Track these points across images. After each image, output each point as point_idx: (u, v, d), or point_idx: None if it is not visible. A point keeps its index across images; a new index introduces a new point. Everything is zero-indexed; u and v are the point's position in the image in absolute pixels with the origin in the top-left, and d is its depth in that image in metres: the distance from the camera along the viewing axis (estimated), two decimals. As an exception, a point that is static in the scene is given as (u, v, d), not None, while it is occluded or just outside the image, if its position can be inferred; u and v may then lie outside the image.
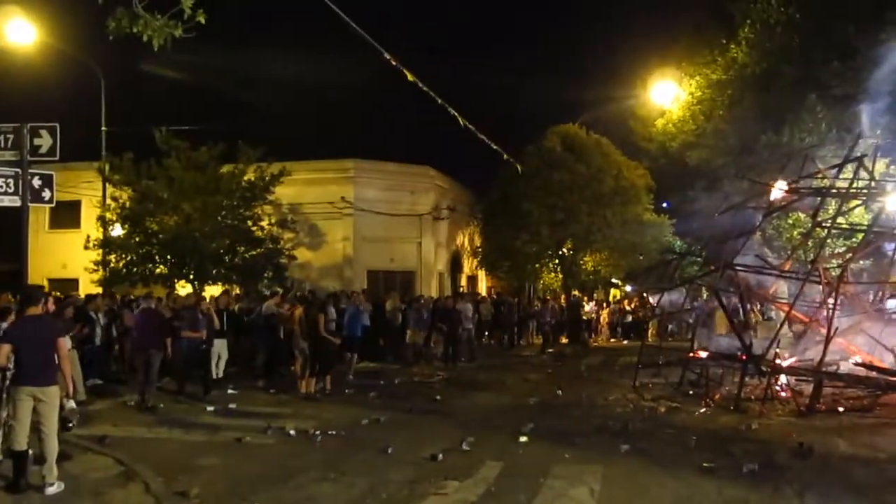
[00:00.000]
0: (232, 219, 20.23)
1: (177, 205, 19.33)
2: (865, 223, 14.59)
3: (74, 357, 10.51)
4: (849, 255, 13.29)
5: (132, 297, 17.08)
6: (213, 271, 19.79)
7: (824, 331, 11.48)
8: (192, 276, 19.77)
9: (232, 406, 11.67)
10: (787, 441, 8.95)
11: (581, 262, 29.05)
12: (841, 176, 13.71)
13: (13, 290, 10.97)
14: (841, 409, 11.02)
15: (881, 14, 17.29)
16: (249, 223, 20.63)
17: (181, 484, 7.04)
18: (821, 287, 12.19)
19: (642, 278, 28.01)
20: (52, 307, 7.63)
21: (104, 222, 20.04)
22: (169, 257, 19.62)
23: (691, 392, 12.87)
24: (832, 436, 9.26)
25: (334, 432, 9.51)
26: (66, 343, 6.96)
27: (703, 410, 11.34)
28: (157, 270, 19.71)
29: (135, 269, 19.52)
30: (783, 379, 12.31)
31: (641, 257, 28.29)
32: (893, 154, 17.81)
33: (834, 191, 13.29)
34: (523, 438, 9.13)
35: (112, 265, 19.70)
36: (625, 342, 27.03)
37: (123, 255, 19.66)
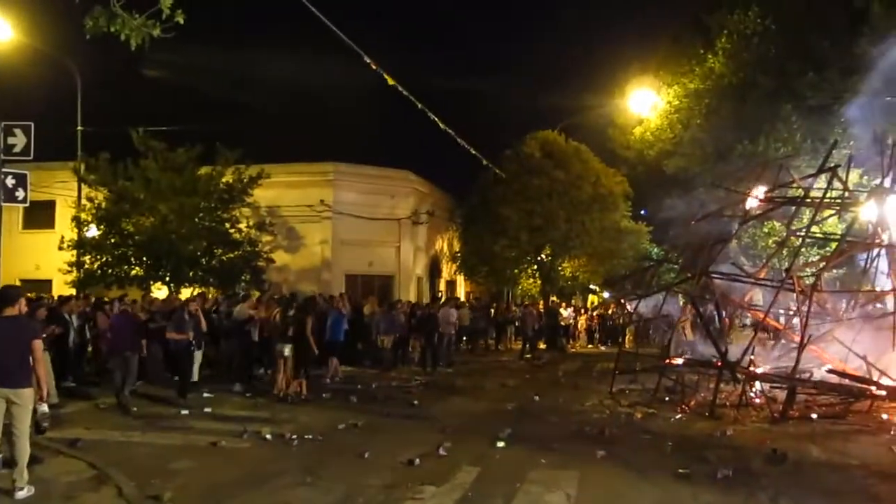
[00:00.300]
0: (209, 221, 20.09)
1: (153, 206, 19.16)
2: (839, 233, 14.82)
3: (47, 359, 10.35)
4: (822, 264, 13.47)
5: (106, 299, 16.88)
6: (190, 273, 19.65)
7: (798, 338, 11.63)
8: (168, 279, 19.59)
9: (207, 410, 11.56)
10: (761, 447, 9.04)
11: (559, 267, 29.19)
12: (815, 186, 13.91)
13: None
14: (814, 415, 11.16)
15: (855, 27, 17.57)
16: (227, 225, 20.51)
17: (154, 488, 6.96)
18: (795, 295, 12.33)
19: (619, 285, 28.16)
20: (24, 308, 7.49)
21: (79, 223, 19.78)
22: (145, 259, 19.45)
23: (667, 398, 12.95)
24: (805, 442, 9.38)
25: (311, 436, 9.45)
26: (40, 345, 6.85)
27: (678, 416, 11.43)
28: (133, 272, 19.52)
29: (110, 271, 19.32)
30: (758, 386, 12.44)
31: (621, 262, 28.49)
32: (867, 165, 18.11)
33: (808, 200, 13.47)
34: (500, 444, 9.14)
35: (86, 266, 19.45)
36: (602, 348, 27.21)
37: (98, 257, 19.44)
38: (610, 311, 31.40)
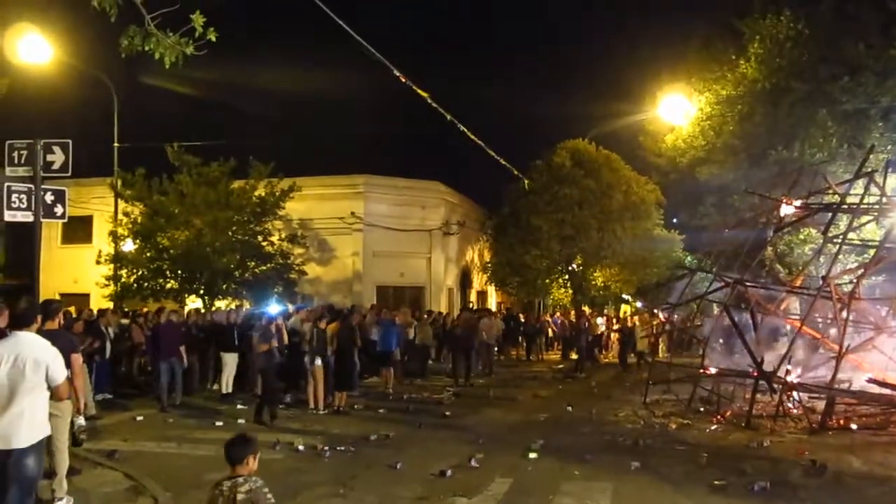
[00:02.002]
0: (242, 234, 20.33)
1: (188, 220, 19.46)
2: (877, 239, 14.50)
3: (84, 371, 10.55)
4: (860, 271, 13.19)
5: (144, 310, 17.18)
6: (224, 286, 19.87)
7: (836, 347, 11.40)
8: (202, 291, 19.85)
9: (241, 421, 11.66)
10: (799, 459, 8.87)
11: (591, 277, 28.99)
12: (852, 191, 13.65)
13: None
14: (854, 426, 10.91)
15: (889, 30, 17.30)
16: (260, 238, 20.73)
17: (190, 499, 7.04)
18: (832, 303, 12.09)
19: (653, 294, 27.88)
20: (62, 321, 7.66)
21: (116, 237, 20.20)
22: (180, 272, 19.73)
23: (702, 409, 12.77)
24: (845, 453, 9.17)
25: (343, 448, 9.49)
26: (78, 358, 6.98)
27: (714, 427, 11.26)
28: (168, 285, 19.82)
29: (146, 284, 19.65)
30: (795, 396, 12.20)
31: (653, 271, 28.20)
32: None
33: (845, 206, 13.22)
34: (533, 455, 9.09)
35: (123, 280, 19.82)
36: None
37: (134, 270, 19.80)
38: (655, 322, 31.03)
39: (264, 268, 20.58)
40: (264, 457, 8.86)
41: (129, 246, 20.33)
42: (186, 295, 19.99)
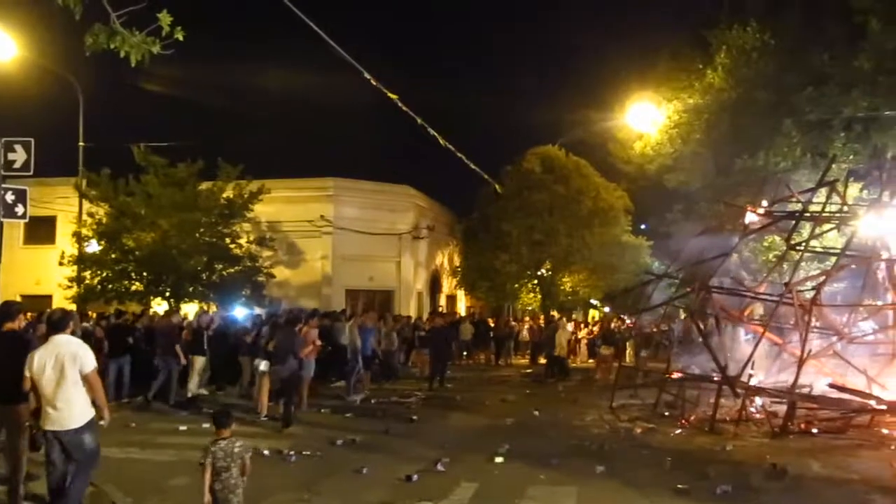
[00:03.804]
0: (210, 236, 20.14)
1: (154, 221, 19.23)
2: (838, 247, 14.80)
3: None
4: (822, 278, 13.44)
5: (111, 312, 16.91)
6: (190, 289, 19.65)
7: (798, 352, 11.60)
8: (168, 294, 19.61)
9: (206, 425, 11.49)
10: (761, 462, 9.00)
11: (560, 282, 29.19)
12: (814, 200, 13.92)
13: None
14: (814, 430, 11.11)
15: (853, 42, 17.66)
16: (228, 241, 20.56)
17: (151, 505, 6.93)
18: (794, 309, 12.30)
19: (620, 299, 28.15)
20: (23, 323, 7.52)
21: (80, 238, 19.86)
22: (145, 274, 19.47)
23: (667, 413, 12.89)
24: (806, 457, 9.33)
25: (309, 452, 9.42)
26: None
27: (678, 432, 11.38)
28: (133, 287, 19.55)
29: (110, 286, 19.35)
30: (758, 400, 12.39)
31: (621, 277, 28.46)
32: (866, 179, 18.13)
33: (807, 215, 13.47)
34: (499, 459, 9.09)
35: (87, 282, 19.49)
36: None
37: (98, 272, 19.49)
38: (612, 326, 31.31)
39: (232, 270, 20.41)
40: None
41: (93, 247, 20.01)
42: (152, 297, 19.72)
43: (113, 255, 19.50)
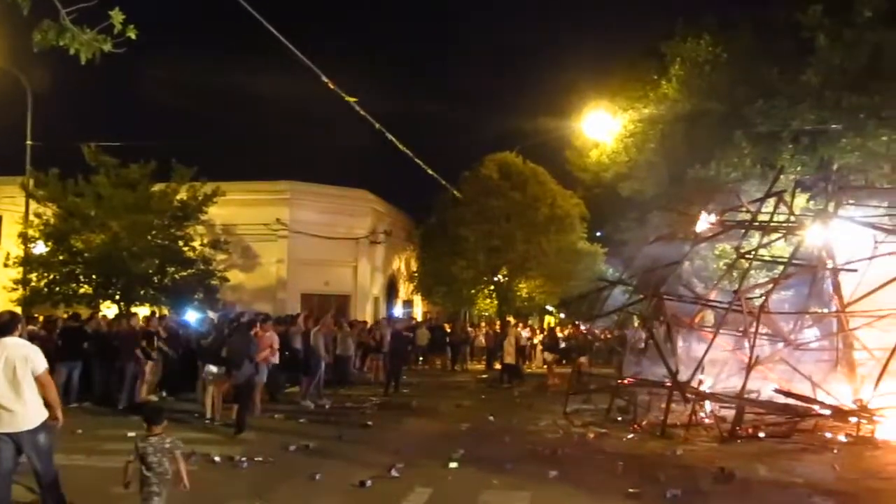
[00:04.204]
0: (162, 239, 19.78)
1: (104, 223, 18.81)
2: (786, 255, 15.19)
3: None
4: (770, 286, 13.78)
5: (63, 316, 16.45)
6: (142, 292, 19.25)
7: (746, 358, 11.87)
8: (118, 297, 19.18)
9: (155, 431, 11.26)
10: (709, 466, 9.16)
11: (516, 288, 29.36)
12: (763, 210, 14.27)
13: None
14: (761, 434, 11.37)
15: (802, 57, 18.17)
16: (181, 243, 20.21)
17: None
18: (743, 316, 12.59)
19: (575, 305, 28.46)
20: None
21: (26, 239, 19.28)
22: (94, 277, 19.01)
23: (620, 418, 13.07)
24: (752, 461, 9.54)
25: (261, 458, 9.29)
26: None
27: (630, 436, 11.54)
28: (82, 290, 19.07)
29: (57, 289, 18.83)
30: (707, 405, 12.63)
31: (577, 283, 28.75)
32: (813, 190, 18.65)
33: (756, 224, 13.80)
34: (453, 465, 9.09)
35: (33, 284, 18.93)
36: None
37: (45, 274, 18.95)
38: (566, 333, 31.62)
39: (184, 273, 20.05)
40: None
41: (40, 248, 19.44)
42: (101, 301, 19.25)
43: (61, 257, 19.00)
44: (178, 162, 20.14)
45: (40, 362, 6.20)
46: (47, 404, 6.26)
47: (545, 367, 20.89)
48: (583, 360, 19.63)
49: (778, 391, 12.01)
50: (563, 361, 22.11)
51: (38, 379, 6.14)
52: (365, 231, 27.25)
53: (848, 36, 17.38)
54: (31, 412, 6.10)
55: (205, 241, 21.06)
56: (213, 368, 12.33)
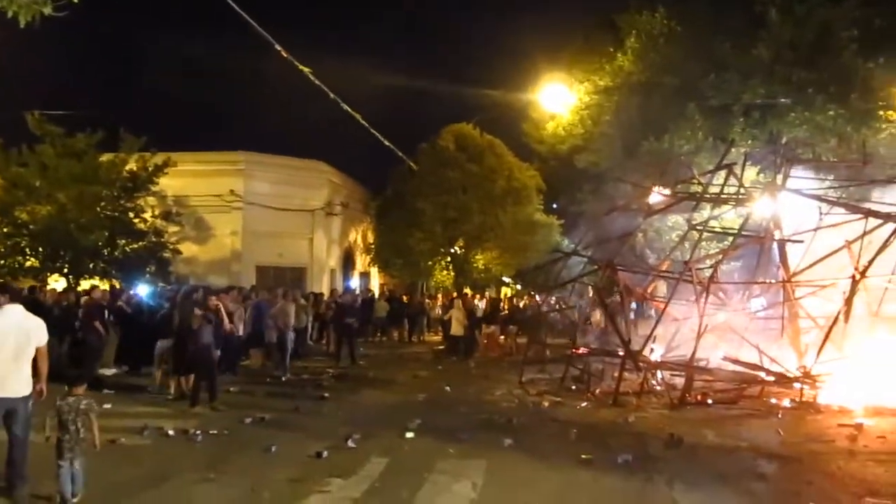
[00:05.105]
0: (112, 210, 19.34)
1: (50, 194, 18.31)
2: (736, 227, 15.52)
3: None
4: (719, 257, 14.09)
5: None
6: (91, 265, 18.83)
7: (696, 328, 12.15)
8: (66, 270, 18.73)
9: (107, 406, 11.08)
10: (659, 433, 9.42)
11: (473, 260, 29.45)
12: (714, 182, 14.52)
13: None
14: (710, 401, 11.70)
15: (754, 31, 18.39)
16: (131, 215, 19.79)
17: (46, 488, 6.64)
18: (694, 286, 12.86)
19: (531, 277, 28.71)
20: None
21: (-33, 211, 18.65)
22: (41, 249, 18.51)
23: (574, 387, 13.31)
24: (701, 427, 9.83)
25: (216, 432, 9.24)
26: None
27: (584, 405, 11.77)
28: (28, 263, 18.56)
29: (2, 262, 18.31)
30: (659, 374, 12.93)
31: (533, 255, 28.96)
32: (763, 162, 19.03)
33: (707, 196, 14.05)
34: (410, 435, 9.18)
35: (-25, 257, 18.37)
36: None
37: (-11, 247, 18.40)
38: (523, 304, 31.89)
39: (135, 246, 19.67)
40: (132, 443, 8.60)
41: (-18, 220, 18.85)
42: (48, 274, 18.78)
43: (5, 230, 18.44)
44: (126, 131, 19.63)
45: (44, 334, 6.44)
46: (36, 374, 6.38)
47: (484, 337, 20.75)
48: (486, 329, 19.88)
49: (726, 359, 12.34)
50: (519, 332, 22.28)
51: (38, 350, 6.33)
52: (321, 203, 26.99)
53: (799, 11, 17.64)
54: (25, 380, 6.27)
55: (156, 212, 20.67)
56: (164, 342, 12.18)
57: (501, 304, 22.00)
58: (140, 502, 6.54)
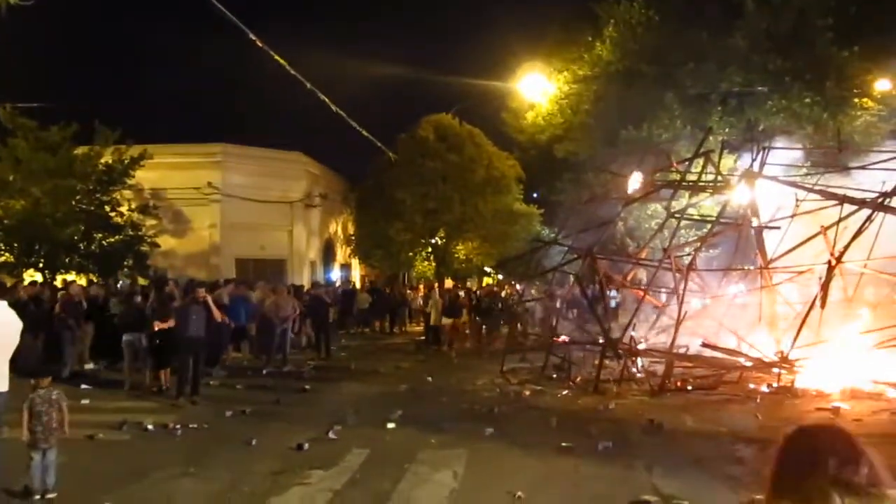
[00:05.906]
0: (87, 204, 19.08)
1: (24, 188, 18.01)
2: (713, 215, 15.64)
3: None
4: (698, 244, 14.19)
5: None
6: (67, 259, 18.59)
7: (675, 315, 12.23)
8: (42, 265, 18.49)
9: (85, 402, 10.98)
10: (639, 419, 9.49)
11: (454, 250, 29.45)
12: (692, 170, 14.60)
13: None
14: (689, 387, 11.80)
15: (730, 21, 18.53)
16: (107, 209, 19.54)
17: (19, 485, 6.56)
18: (673, 274, 12.95)
19: (512, 266, 28.76)
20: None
21: (-62, 206, 18.34)
22: (15, 244, 18.25)
23: (555, 376, 13.36)
24: (680, 413, 9.91)
25: (196, 426, 9.18)
26: None
27: (565, 393, 11.83)
28: (2, 259, 18.30)
29: (-25, 257, 18.04)
30: (639, 361, 13.02)
31: (513, 244, 28.99)
32: (740, 150, 19.19)
33: (685, 184, 14.13)
34: (391, 425, 9.17)
35: (-52, 252, 18.09)
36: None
37: (-40, 242, 18.11)
38: (504, 294, 31.91)
39: (112, 240, 19.44)
40: (110, 438, 8.51)
41: (-45, 215, 18.54)
42: (24, 269, 18.52)
43: (-23, 224, 18.16)
44: (101, 124, 19.38)
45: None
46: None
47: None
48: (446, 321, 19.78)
49: (705, 345, 12.43)
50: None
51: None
52: (300, 194, 26.83)
53: (775, 0, 17.78)
54: (5, 376, 6.38)
55: (133, 206, 20.42)
56: (128, 336, 12.10)
57: (461, 297, 21.67)
58: (119, 497, 6.47)
